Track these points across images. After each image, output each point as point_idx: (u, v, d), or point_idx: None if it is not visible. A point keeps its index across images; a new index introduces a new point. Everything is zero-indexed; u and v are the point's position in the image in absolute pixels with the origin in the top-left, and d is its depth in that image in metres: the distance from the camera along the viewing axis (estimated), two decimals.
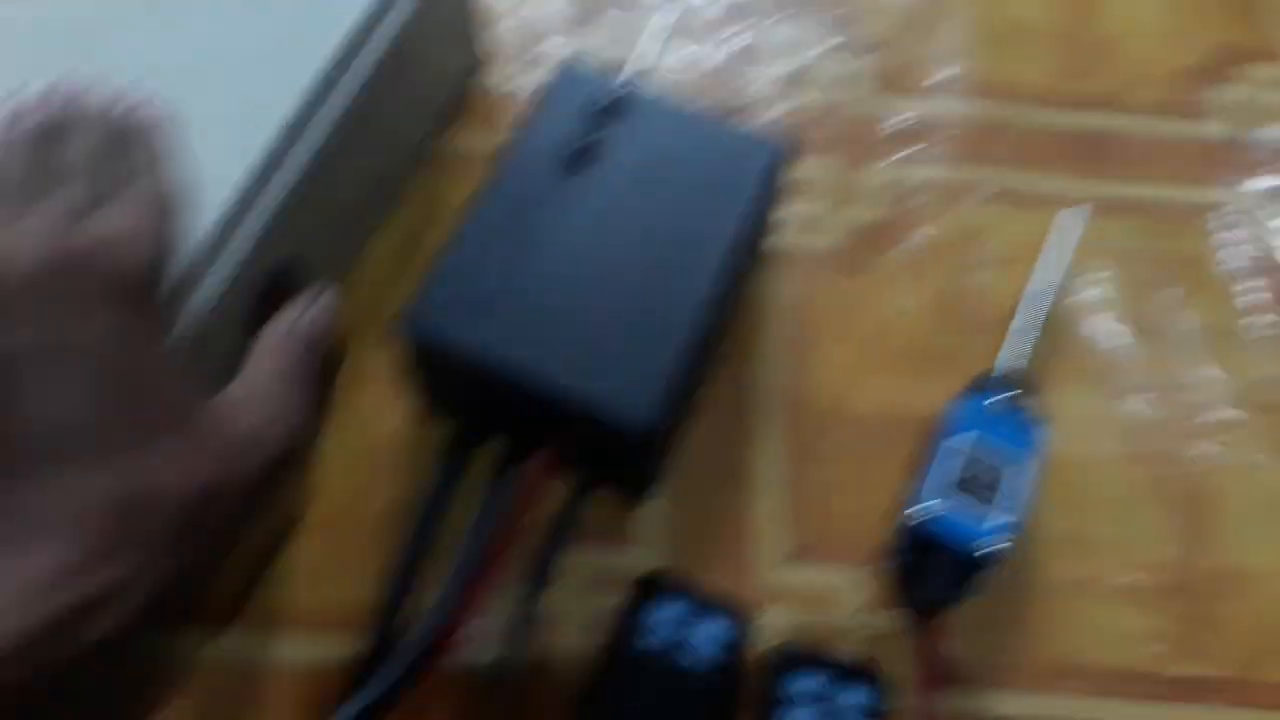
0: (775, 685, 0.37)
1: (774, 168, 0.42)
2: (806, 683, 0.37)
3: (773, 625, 0.40)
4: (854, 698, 0.37)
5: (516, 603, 0.39)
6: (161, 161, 0.28)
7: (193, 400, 0.25)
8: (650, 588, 0.39)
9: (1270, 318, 0.48)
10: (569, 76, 0.44)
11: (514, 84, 0.52)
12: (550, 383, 0.36)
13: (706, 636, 0.37)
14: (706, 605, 0.38)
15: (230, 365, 0.32)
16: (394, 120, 0.45)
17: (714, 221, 0.40)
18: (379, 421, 0.44)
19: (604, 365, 0.37)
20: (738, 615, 0.38)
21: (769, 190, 0.42)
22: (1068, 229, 0.48)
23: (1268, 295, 0.49)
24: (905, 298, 0.48)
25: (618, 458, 0.39)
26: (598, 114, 0.42)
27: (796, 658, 0.38)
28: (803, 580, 0.41)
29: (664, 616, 0.37)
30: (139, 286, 0.25)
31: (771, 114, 0.52)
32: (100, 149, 0.28)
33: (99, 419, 0.23)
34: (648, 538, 0.42)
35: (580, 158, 0.41)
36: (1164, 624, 0.41)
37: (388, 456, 0.43)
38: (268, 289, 0.39)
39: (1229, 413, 0.46)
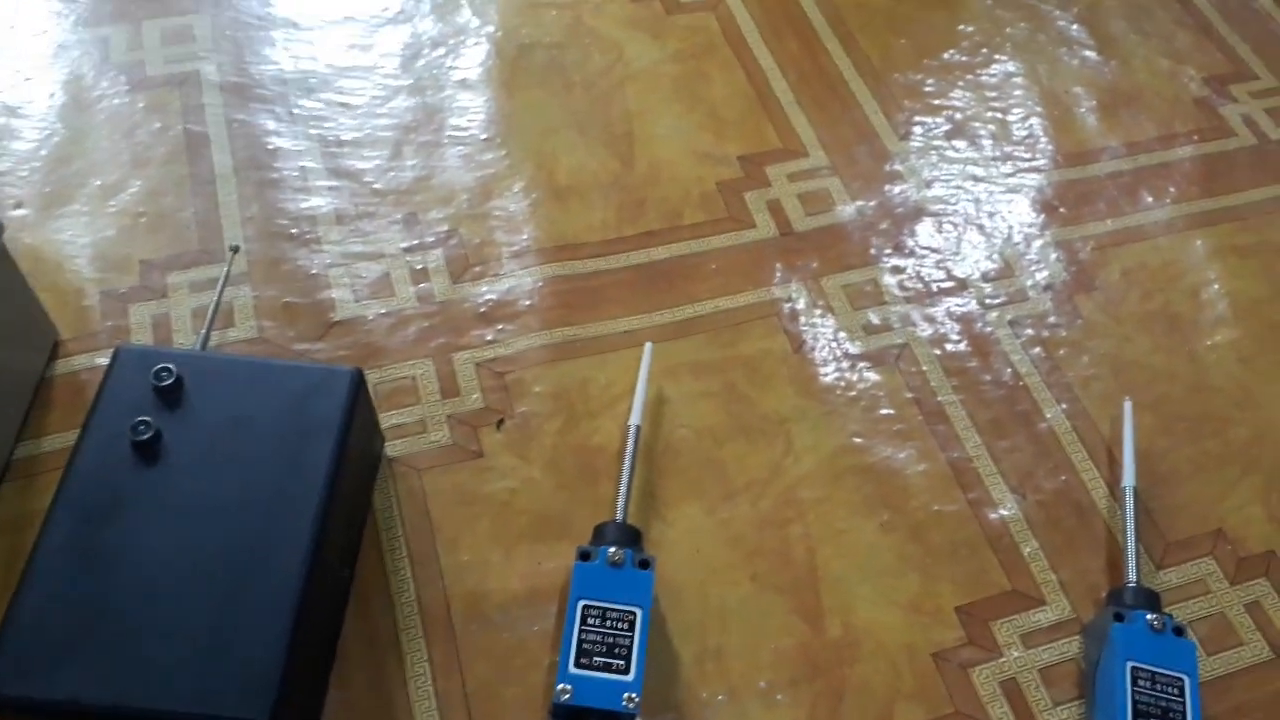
0: None
1: (353, 394, 0.44)
2: None
3: None
4: None
5: None
6: None
7: None
8: None
9: (832, 392, 0.55)
10: (122, 362, 0.44)
11: (87, 367, 0.52)
12: (157, 709, 0.36)
13: None
14: None
15: None
16: None
17: (306, 470, 0.41)
18: None
19: (211, 670, 0.37)
20: None
21: (353, 416, 0.44)
22: (644, 366, 0.52)
23: (827, 372, 0.56)
24: (521, 471, 0.51)
25: None
26: (160, 394, 0.43)
27: None
28: None
29: None
30: None
31: (360, 328, 0.54)
32: None
33: None
34: None
35: (149, 446, 0.41)
36: (805, 710, 0.45)
37: None
38: None
39: (813, 490, 0.52)
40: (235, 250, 0.52)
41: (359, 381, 0.44)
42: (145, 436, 0.41)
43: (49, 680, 0.36)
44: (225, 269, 0.51)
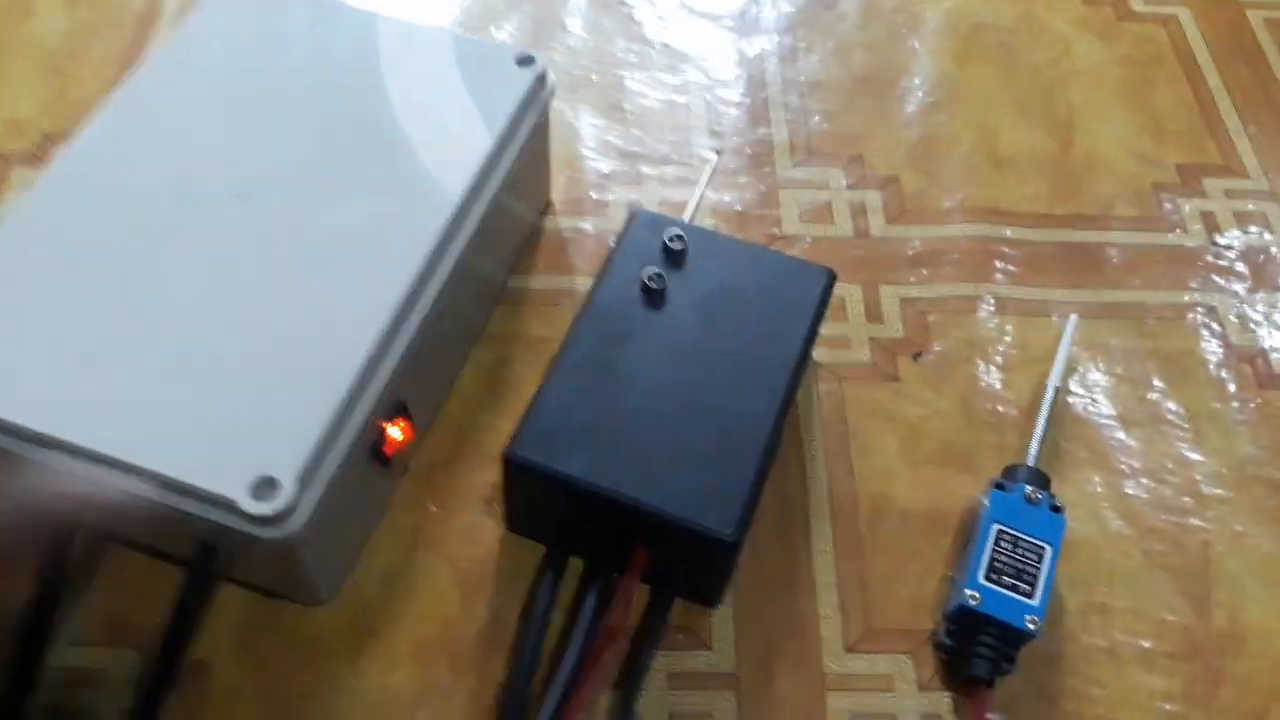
0: None
1: (825, 292, 0.49)
2: None
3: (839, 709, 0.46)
4: None
5: (615, 706, 0.44)
6: None
7: None
8: None
9: (1246, 403, 0.55)
10: (639, 222, 0.51)
11: (570, 227, 0.60)
12: (646, 503, 0.42)
13: None
14: None
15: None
16: (488, 269, 0.52)
17: (780, 343, 0.47)
18: (469, 546, 0.49)
19: (692, 483, 0.42)
20: None
21: (820, 311, 0.49)
22: (1068, 334, 0.55)
23: (1244, 383, 0.56)
24: (932, 402, 0.54)
25: (702, 567, 0.45)
26: (668, 253, 0.49)
27: None
28: (862, 668, 0.47)
29: None
30: None
31: (800, 245, 0.60)
32: None
33: None
34: (719, 639, 0.47)
35: (656, 294, 0.48)
36: (1180, 684, 0.47)
37: (478, 580, 0.48)
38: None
39: (1217, 490, 0.52)
40: (719, 154, 0.58)
41: (832, 279, 0.49)
42: (657, 285, 0.48)
43: (561, 456, 0.43)
44: (709, 170, 0.57)
